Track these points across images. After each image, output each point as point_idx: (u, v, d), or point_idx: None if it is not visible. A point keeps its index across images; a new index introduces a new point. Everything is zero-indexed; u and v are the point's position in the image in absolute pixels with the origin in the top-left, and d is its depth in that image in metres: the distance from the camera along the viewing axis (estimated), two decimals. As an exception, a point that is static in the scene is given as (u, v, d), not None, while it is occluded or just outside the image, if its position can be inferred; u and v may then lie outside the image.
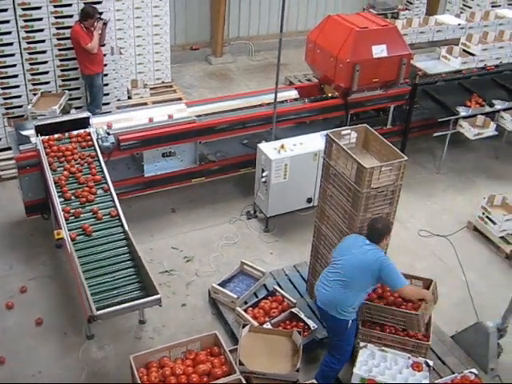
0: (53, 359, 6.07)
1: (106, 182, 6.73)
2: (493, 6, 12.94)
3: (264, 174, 7.52)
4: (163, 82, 10.99)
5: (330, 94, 8.75)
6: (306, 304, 6.65)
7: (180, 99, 10.14)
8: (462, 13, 11.64)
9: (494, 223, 8.02)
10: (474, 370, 5.72)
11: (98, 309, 5.39)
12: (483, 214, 8.17)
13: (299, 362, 5.26)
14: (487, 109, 9.30)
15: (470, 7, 13.26)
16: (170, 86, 10.96)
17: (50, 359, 6.06)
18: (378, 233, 5.32)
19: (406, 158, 5.48)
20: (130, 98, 10.10)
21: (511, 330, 6.26)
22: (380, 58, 8.24)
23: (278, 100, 7.97)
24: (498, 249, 7.93)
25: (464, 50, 9.42)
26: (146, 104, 9.92)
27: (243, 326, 5.37)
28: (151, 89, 10.52)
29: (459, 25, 10.16)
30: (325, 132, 5.98)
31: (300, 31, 13.24)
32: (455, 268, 7.55)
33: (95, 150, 7.09)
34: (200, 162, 8.10)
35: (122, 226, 6.28)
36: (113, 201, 6.55)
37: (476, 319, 6.45)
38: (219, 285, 6.69)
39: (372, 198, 5.47)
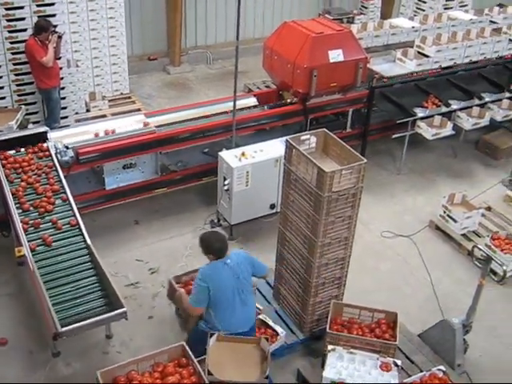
0: (19, 378, 5.95)
1: (65, 192, 6.67)
2: (445, 9, 13.19)
3: (226, 182, 7.51)
4: (122, 94, 10.92)
5: (288, 100, 8.80)
6: (274, 310, 6.65)
7: (139, 110, 10.08)
8: (415, 16, 11.82)
9: (455, 221, 8.15)
10: (441, 367, 5.81)
11: (62, 325, 5.32)
12: (444, 212, 8.28)
13: (268, 369, 5.24)
14: (444, 109, 9.46)
15: (423, 10, 13.49)
16: (129, 97, 10.88)
17: (17, 378, 5.94)
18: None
19: (365, 160, 5.53)
20: (88, 110, 9.97)
21: (476, 326, 6.37)
22: (337, 63, 8.32)
23: (237, 107, 7.98)
24: (459, 246, 8.05)
25: (419, 52, 9.55)
26: (104, 116, 9.82)
27: (210, 336, 5.34)
28: (110, 100, 10.42)
29: (413, 27, 10.32)
30: (285, 138, 6.00)
31: (257, 38, 13.28)
32: (419, 267, 7.66)
33: (52, 160, 7.02)
34: (161, 172, 8.06)
35: (83, 234, 6.23)
36: (72, 210, 6.49)
37: (441, 317, 6.55)
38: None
39: (334, 202, 5.50)
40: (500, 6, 12.31)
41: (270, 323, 6.22)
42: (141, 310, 6.78)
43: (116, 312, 5.54)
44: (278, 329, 6.19)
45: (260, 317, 6.27)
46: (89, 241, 6.13)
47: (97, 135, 7.60)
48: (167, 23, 12.36)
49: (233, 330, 5.41)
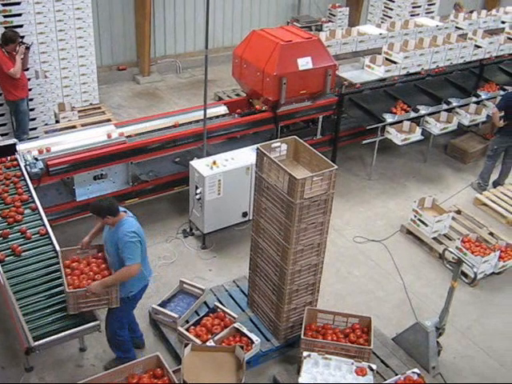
0: (-9, 395, 5.87)
1: (34, 201, 6.61)
2: (412, 15, 13.41)
3: (198, 191, 7.49)
4: (91, 104, 10.87)
5: (259, 108, 8.82)
6: (248, 318, 6.65)
7: (109, 120, 10.03)
8: (382, 23, 11.97)
9: (425, 225, 8.23)
10: (416, 370, 5.84)
11: (35, 339, 5.24)
12: (415, 216, 8.37)
13: (244, 377, 5.24)
14: (412, 114, 9.58)
15: (391, 17, 13.69)
16: (99, 108, 10.84)
17: (-11, 395, 5.87)
18: None
19: (336, 166, 5.56)
20: (57, 121, 9.91)
21: (449, 328, 6.44)
22: (306, 70, 8.38)
23: (207, 116, 7.98)
24: (431, 249, 8.14)
25: (387, 59, 9.65)
26: (74, 127, 9.75)
27: (185, 346, 5.32)
28: (79, 111, 10.37)
29: (381, 34, 10.43)
30: (255, 146, 6.02)
31: (226, 47, 13.34)
32: (392, 271, 7.72)
33: (21, 169, 6.97)
34: (133, 182, 8.02)
35: (52, 243, 6.17)
36: (41, 219, 6.44)
37: (415, 320, 6.60)
38: (159, 305, 6.62)
39: (306, 209, 5.52)
40: (455, 6, 12.64)
41: (245, 331, 6.22)
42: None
43: (89, 325, 5.47)
44: (253, 337, 6.19)
45: (235, 325, 6.27)
46: (59, 249, 6.06)
47: (67, 146, 7.54)
48: (136, 33, 12.34)
49: (150, 275, 5.80)
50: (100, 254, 5.81)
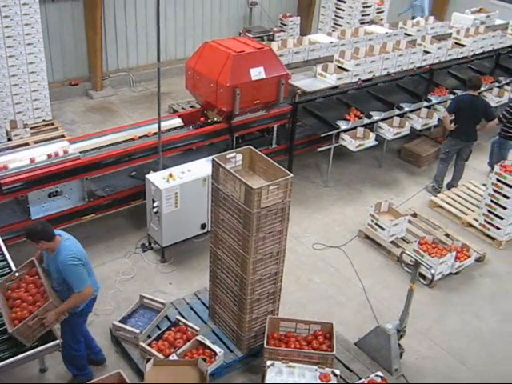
0: None
1: None
2: (361, 23, 13.61)
3: (155, 205, 7.45)
4: (44, 121, 10.73)
5: (213, 119, 8.82)
6: (211, 330, 6.62)
7: (63, 136, 9.90)
8: (333, 31, 12.11)
9: (383, 229, 8.34)
10: (379, 373, 5.91)
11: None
12: (372, 221, 8.47)
13: (208, 390, 5.23)
14: (366, 120, 9.71)
15: (341, 25, 13.88)
16: (52, 124, 10.70)
17: None
18: None
19: (291, 175, 5.59)
20: (9, 139, 9.74)
21: (410, 330, 6.51)
22: (259, 80, 8.43)
23: (162, 129, 7.96)
24: (389, 253, 8.24)
25: (338, 67, 9.77)
26: (27, 144, 9.58)
27: (147, 361, 5.27)
28: (32, 128, 10.21)
29: (332, 43, 10.56)
30: (211, 157, 6.01)
31: (179, 59, 13.32)
32: (351, 276, 7.79)
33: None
34: (89, 198, 7.92)
35: (6, 260, 6.09)
36: None
37: (376, 323, 6.66)
38: (120, 322, 6.54)
39: (263, 218, 5.54)
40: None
41: (208, 343, 6.19)
42: (75, 340, 6.59)
43: (49, 344, 5.39)
44: (216, 348, 6.16)
45: (197, 338, 6.24)
46: (14, 268, 5.94)
47: (20, 164, 7.42)
48: (87, 47, 12.23)
49: (97, 289, 5.77)
50: (34, 269, 5.73)
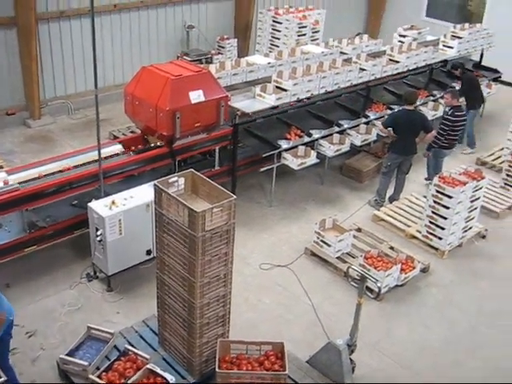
0: None
1: None
2: (298, 43, 13.77)
3: (99, 233, 7.34)
4: (-20, 152, 10.48)
5: (154, 144, 8.77)
6: (161, 357, 6.52)
7: (1, 167, 9.68)
8: (270, 52, 12.23)
9: (328, 245, 8.41)
10: (332, 390, 5.93)
11: None
12: (317, 238, 8.54)
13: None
14: (306, 139, 9.84)
15: (278, 46, 14.02)
16: (-11, 155, 10.47)
17: None
18: None
19: (235, 196, 5.59)
20: None
21: (360, 344, 6.56)
22: (198, 103, 8.43)
23: (103, 156, 7.86)
24: (335, 269, 8.31)
25: (277, 87, 9.86)
26: (-37, 177, 9.35)
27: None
28: (-33, 161, 9.98)
29: (269, 63, 10.65)
30: (153, 182, 5.97)
31: (118, 85, 13.18)
32: (300, 294, 7.81)
33: None
34: (30, 229, 7.73)
35: None
36: None
37: (327, 340, 6.67)
38: (67, 355, 6.37)
39: (208, 241, 5.52)
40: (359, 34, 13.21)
41: (159, 371, 6.08)
42: (21, 378, 6.29)
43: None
44: (168, 376, 6.06)
45: (148, 366, 6.13)
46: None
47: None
48: (23, 75, 12.01)
49: (10, 313, 5.74)
50: None
